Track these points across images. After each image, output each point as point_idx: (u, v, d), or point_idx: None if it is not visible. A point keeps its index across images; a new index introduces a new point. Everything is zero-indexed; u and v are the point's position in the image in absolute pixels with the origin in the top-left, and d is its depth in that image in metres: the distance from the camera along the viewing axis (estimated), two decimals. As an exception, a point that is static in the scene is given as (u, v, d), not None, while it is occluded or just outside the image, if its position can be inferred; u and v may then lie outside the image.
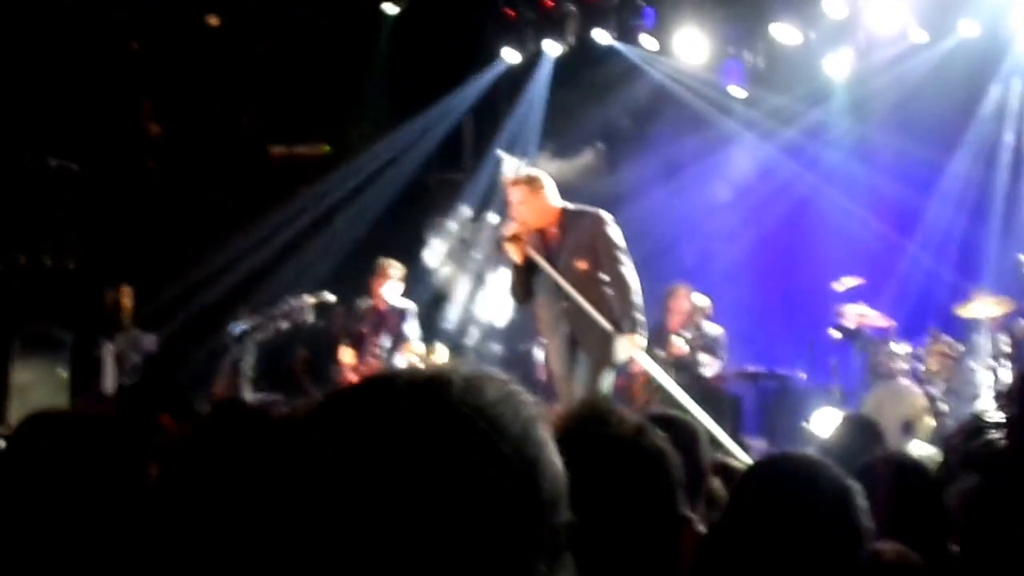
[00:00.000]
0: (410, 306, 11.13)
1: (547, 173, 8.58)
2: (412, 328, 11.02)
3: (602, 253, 8.32)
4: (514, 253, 8.28)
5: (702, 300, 12.16)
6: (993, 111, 12.80)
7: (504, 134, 14.00)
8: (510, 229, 8.33)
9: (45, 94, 12.67)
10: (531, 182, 8.38)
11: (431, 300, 12.74)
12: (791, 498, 2.55)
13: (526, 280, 8.44)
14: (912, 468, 3.88)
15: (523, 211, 8.32)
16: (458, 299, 12.82)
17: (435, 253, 12.64)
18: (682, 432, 4.27)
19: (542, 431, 1.35)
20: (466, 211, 13.04)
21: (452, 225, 12.89)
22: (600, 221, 8.37)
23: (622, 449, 2.32)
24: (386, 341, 10.95)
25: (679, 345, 11.58)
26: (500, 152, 13.20)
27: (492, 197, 13.53)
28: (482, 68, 13.96)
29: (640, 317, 8.33)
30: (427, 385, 1.32)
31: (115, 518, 2.75)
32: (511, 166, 12.01)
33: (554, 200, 8.41)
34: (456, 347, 12.44)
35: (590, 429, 2.33)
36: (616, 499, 2.24)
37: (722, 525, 2.69)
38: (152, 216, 13.53)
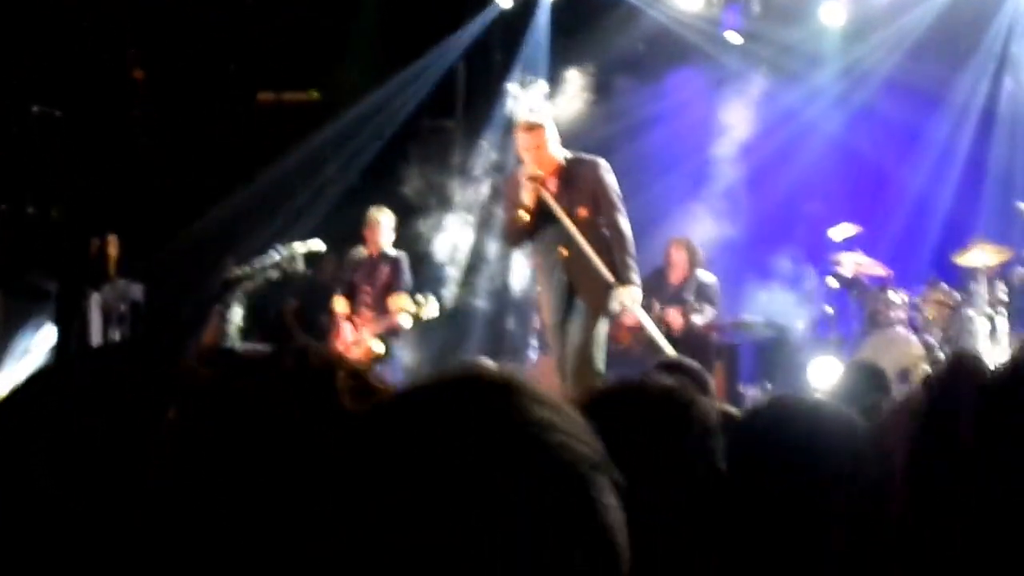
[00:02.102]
0: (402, 255, 11.23)
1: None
2: (405, 279, 11.12)
3: (602, 201, 8.48)
4: (528, 195, 8.40)
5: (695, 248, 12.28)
6: (989, 59, 12.91)
7: (506, 78, 14.05)
8: (532, 170, 8.42)
9: (26, 39, 12.65)
10: (543, 127, 8.51)
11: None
12: (793, 444, 2.39)
13: (533, 225, 8.55)
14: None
15: (537, 156, 8.44)
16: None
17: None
18: (692, 380, 4.46)
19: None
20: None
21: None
22: (600, 168, 8.53)
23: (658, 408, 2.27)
24: (379, 290, 11.06)
25: (676, 322, 11.51)
26: (513, 91, 13.28)
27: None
28: (475, 12, 13.96)
29: (634, 266, 8.54)
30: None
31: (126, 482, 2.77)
32: (524, 108, 12.15)
33: (557, 147, 8.55)
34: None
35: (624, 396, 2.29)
36: (659, 461, 2.20)
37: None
38: (138, 163, 13.50)
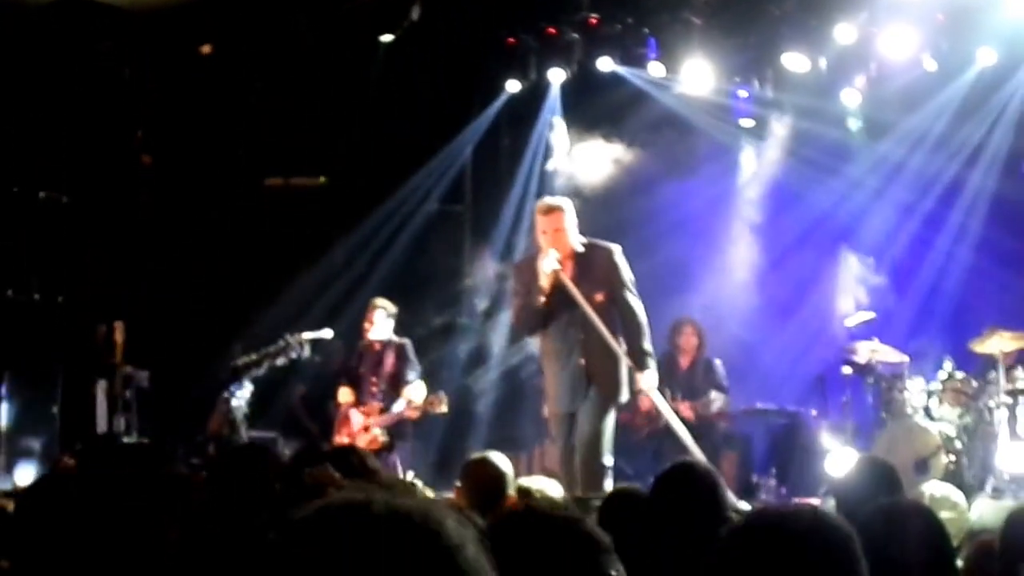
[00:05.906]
0: (406, 342, 11.35)
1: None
2: (412, 365, 11.25)
3: (616, 286, 8.71)
4: (546, 279, 8.57)
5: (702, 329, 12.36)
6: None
7: (514, 162, 14.21)
8: (555, 256, 8.58)
9: (34, 125, 12.86)
10: (563, 210, 8.74)
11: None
12: (784, 559, 2.38)
13: (548, 310, 8.72)
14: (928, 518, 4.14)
15: (554, 239, 8.65)
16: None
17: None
18: (703, 480, 4.65)
19: None
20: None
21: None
22: (615, 254, 8.79)
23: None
24: (386, 379, 11.17)
25: (688, 415, 11.47)
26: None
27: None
28: (484, 97, 14.04)
29: (651, 350, 8.77)
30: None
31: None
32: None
33: (575, 231, 8.78)
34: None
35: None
36: None
37: None
38: (144, 249, 13.66)
